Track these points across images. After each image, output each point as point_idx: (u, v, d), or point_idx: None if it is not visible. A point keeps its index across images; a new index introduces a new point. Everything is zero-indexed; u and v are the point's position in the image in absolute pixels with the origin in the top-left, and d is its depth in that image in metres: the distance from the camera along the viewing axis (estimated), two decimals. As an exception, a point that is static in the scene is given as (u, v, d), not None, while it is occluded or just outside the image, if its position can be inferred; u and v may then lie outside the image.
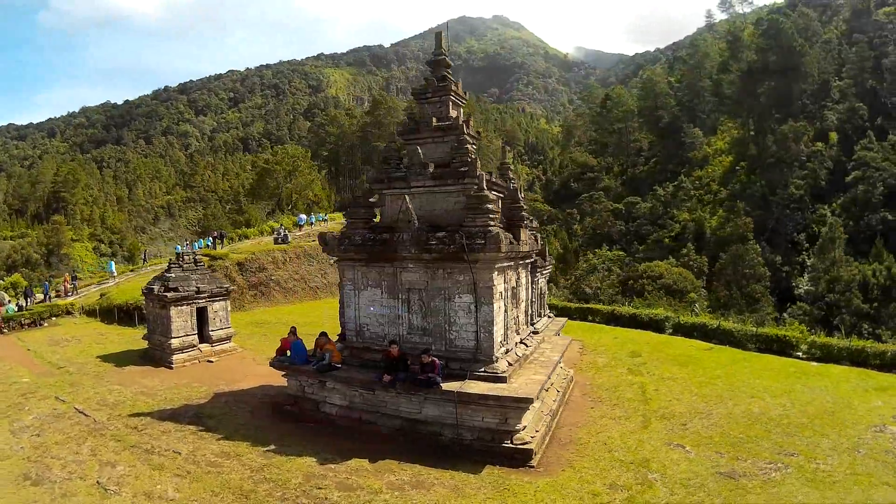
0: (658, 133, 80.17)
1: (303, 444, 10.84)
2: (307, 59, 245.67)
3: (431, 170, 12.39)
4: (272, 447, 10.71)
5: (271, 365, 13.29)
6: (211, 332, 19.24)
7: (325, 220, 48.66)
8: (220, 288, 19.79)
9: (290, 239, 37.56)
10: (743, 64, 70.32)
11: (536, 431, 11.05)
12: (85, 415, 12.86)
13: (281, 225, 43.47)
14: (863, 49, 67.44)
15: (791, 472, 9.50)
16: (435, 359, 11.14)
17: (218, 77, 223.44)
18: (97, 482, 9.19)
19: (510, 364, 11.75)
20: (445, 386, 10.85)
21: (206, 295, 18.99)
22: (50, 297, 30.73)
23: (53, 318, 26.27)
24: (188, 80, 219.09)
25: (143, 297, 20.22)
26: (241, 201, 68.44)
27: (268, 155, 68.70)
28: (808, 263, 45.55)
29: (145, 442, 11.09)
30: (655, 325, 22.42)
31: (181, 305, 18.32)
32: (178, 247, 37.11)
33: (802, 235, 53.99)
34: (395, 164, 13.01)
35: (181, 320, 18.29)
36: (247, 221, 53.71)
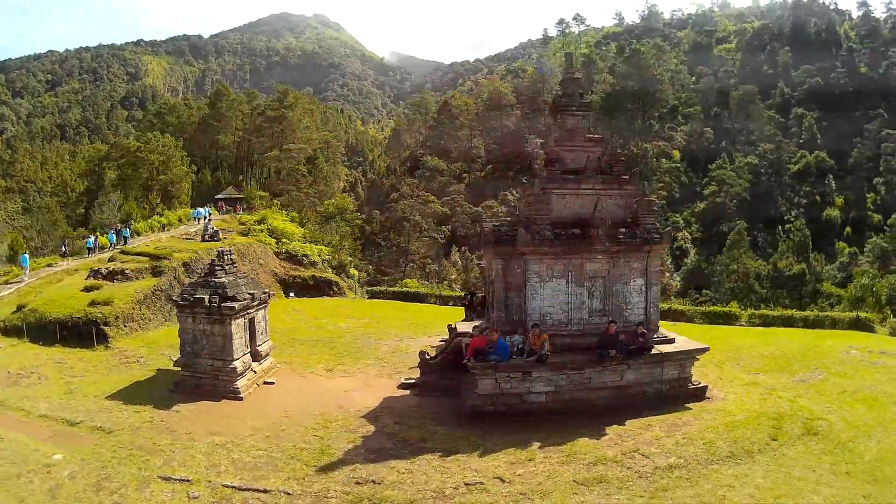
0: (498, 141, 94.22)
1: (554, 431, 12.90)
2: (127, 44, 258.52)
3: (601, 175, 16.20)
4: (536, 445, 12.16)
5: (471, 368, 14.02)
6: (258, 347, 17.67)
7: (209, 214, 46.99)
8: (265, 293, 18.16)
9: (220, 236, 35.86)
10: (605, 85, 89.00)
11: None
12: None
13: (209, 220, 42.32)
14: (710, 81, 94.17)
15: (825, 375, 17.49)
16: (644, 329, 15.23)
17: (37, 57, 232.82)
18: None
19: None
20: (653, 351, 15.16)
21: (257, 303, 17.37)
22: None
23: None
24: (7, 59, 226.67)
25: (177, 310, 16.83)
26: (72, 195, 64.87)
27: (137, 142, 61.21)
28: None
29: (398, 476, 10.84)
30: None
31: (238, 318, 16.42)
32: (90, 240, 34.05)
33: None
34: (561, 168, 16.21)
35: (239, 336, 16.43)
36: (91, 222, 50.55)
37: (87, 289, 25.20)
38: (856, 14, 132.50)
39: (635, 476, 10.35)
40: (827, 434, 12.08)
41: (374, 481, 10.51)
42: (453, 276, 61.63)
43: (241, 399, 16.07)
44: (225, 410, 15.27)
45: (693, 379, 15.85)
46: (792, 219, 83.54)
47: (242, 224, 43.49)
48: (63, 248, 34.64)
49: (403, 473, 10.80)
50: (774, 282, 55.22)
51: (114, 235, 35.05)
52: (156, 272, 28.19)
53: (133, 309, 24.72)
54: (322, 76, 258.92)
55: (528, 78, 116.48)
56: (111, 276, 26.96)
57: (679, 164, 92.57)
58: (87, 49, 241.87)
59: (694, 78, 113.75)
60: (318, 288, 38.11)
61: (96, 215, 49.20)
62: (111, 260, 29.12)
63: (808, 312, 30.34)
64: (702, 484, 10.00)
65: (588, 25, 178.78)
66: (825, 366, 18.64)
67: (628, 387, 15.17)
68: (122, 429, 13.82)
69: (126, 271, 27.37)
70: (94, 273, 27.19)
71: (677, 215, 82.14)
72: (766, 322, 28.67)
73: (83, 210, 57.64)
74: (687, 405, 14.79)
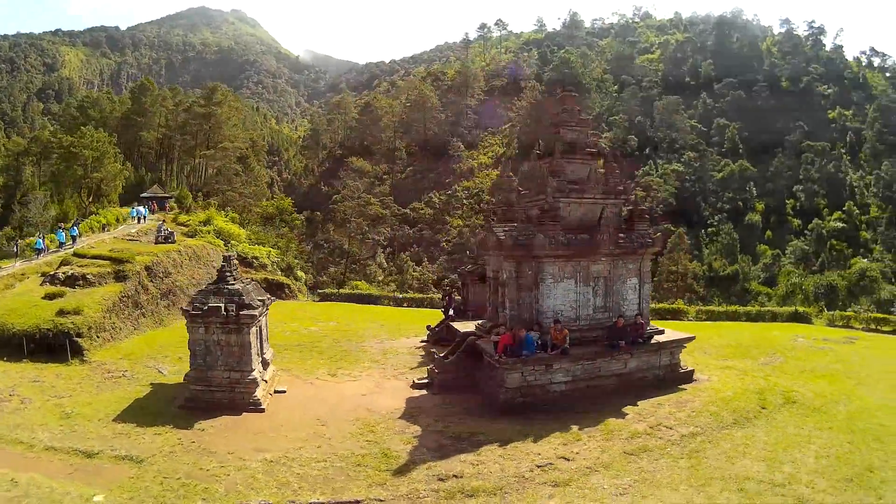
0: (420, 143, 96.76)
1: (582, 415, 14.98)
2: (45, 33, 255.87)
3: (602, 186, 18.71)
4: (575, 427, 14.06)
5: (500, 363, 15.90)
6: (265, 355, 18.25)
7: (147, 214, 45.79)
8: (270, 299, 18.82)
9: (174, 238, 35.16)
10: (535, 92, 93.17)
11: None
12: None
13: (162, 220, 41.44)
14: (634, 90, 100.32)
15: (784, 358, 21.06)
16: (644, 322, 17.79)
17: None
18: None
19: (654, 323, 19.49)
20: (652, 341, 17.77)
21: (265, 309, 18.06)
22: None
23: None
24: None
25: (188, 321, 16.88)
26: None
27: (71, 137, 56.63)
28: None
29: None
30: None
31: (253, 326, 17.09)
32: (40, 240, 32.32)
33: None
34: (565, 179, 18.54)
35: (254, 346, 16.80)
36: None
37: (50, 296, 24.11)
38: (777, 30, 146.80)
39: (668, 444, 12.65)
40: (803, 402, 15.08)
41: (455, 476, 11.51)
42: (381, 278, 63.33)
43: (262, 410, 15.99)
44: (254, 424, 15.18)
45: (681, 364, 18.67)
46: (715, 223, 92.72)
47: (184, 225, 42.90)
48: (15, 249, 32.84)
49: (477, 465, 11.93)
50: (710, 281, 61.68)
51: (63, 234, 33.58)
52: (119, 277, 27.24)
53: (104, 318, 23.98)
54: (237, 73, 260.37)
55: (447, 81, 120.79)
56: (71, 281, 25.82)
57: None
58: (5, 37, 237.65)
59: (617, 86, 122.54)
60: (270, 291, 37.92)
61: (19, 213, 46.18)
62: (65, 263, 27.71)
63: (750, 308, 34.95)
64: (722, 444, 12.47)
65: (509, 31, 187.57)
66: (780, 351, 22.28)
67: (631, 373, 17.67)
68: (153, 455, 12.89)
69: (88, 276, 26.24)
70: (51, 278, 26.04)
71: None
72: (713, 317, 32.62)
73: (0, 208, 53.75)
74: (681, 387, 17.48)
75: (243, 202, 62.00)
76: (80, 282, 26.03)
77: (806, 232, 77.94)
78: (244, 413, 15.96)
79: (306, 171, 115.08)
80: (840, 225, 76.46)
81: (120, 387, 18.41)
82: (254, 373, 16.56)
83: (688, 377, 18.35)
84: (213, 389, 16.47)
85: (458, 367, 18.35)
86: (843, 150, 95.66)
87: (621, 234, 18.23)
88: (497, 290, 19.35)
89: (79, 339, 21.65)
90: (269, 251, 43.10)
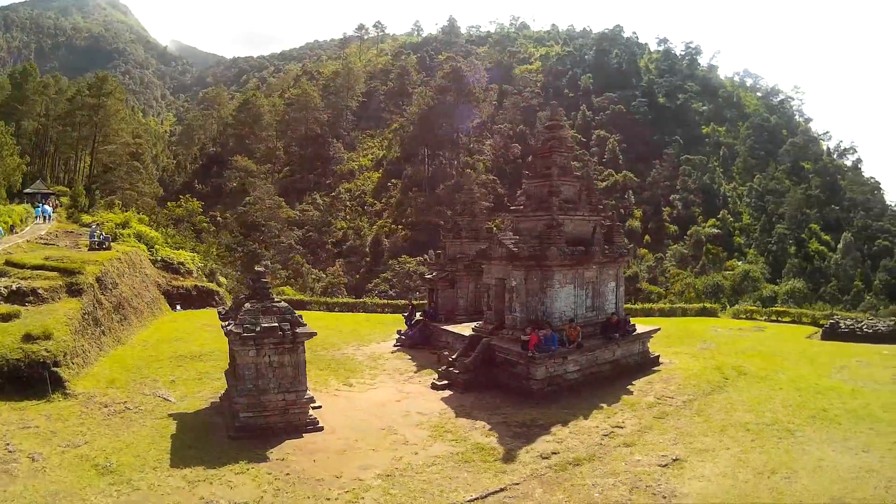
0: (300, 143, 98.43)
1: (599, 396, 19.94)
2: None
3: (588, 204, 23.72)
4: (604, 405, 19.27)
5: (532, 358, 19.68)
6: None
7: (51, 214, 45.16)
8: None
9: (109, 243, 34.35)
10: (427, 99, 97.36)
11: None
12: None
13: (97, 224, 39.42)
14: (517, 100, 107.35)
15: (716, 344, 27.87)
16: (627, 319, 23.01)
17: None
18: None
19: (628, 319, 24.95)
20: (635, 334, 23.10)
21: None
22: None
23: None
24: None
25: (237, 343, 16.47)
26: None
27: None
28: None
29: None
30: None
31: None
32: None
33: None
34: (562, 198, 23.23)
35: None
36: None
37: (3, 317, 22.63)
38: (655, 48, 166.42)
39: (678, 408, 17.66)
40: (752, 374, 21.13)
41: (553, 452, 14.57)
42: (277, 283, 64.55)
43: (321, 429, 16.78)
44: (327, 443, 15.95)
45: (650, 351, 24.30)
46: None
47: (88, 227, 41.15)
48: None
49: (561, 442, 15.19)
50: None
51: None
52: (72, 291, 25.86)
53: (75, 341, 22.94)
54: (105, 61, 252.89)
55: (324, 80, 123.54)
56: (19, 297, 23.97)
57: (494, 178, 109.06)
58: None
59: (496, 95, 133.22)
60: (201, 299, 38.66)
61: None
62: (2, 275, 25.76)
63: (663, 304, 42.95)
64: (714, 405, 17.69)
65: (387, 33, 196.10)
66: (710, 339, 29.09)
67: (618, 360, 22.77)
68: (261, 498, 12.78)
69: (39, 291, 24.75)
70: (-10, 293, 24.34)
71: (491, 224, 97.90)
72: (630, 314, 39.55)
73: None
74: (655, 369, 22.89)
75: (143, 201, 59.44)
76: (31, 298, 24.33)
77: (685, 237, 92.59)
78: (304, 434, 16.52)
79: (178, 167, 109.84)
80: (715, 231, 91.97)
81: (134, 423, 17.19)
82: (309, 392, 17.53)
83: (656, 361, 23.94)
84: (267, 414, 16.79)
85: (477, 367, 22.06)
86: (716, 164, 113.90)
87: (606, 246, 23.36)
88: (502, 296, 23.40)
89: (57, 369, 19.98)
90: (193, 256, 42.94)
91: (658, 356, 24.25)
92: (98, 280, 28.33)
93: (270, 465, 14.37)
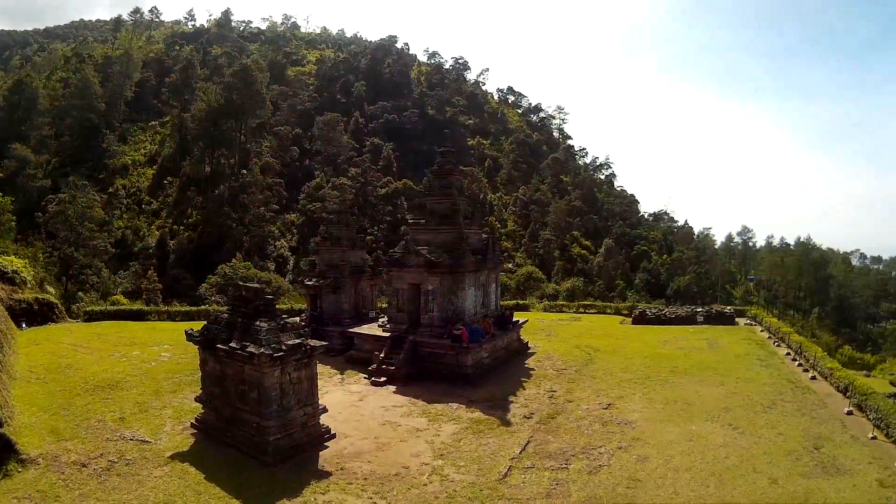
0: (71, 132, 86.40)
1: (515, 372, 26.01)
2: None
3: (480, 221, 29.45)
4: (534, 378, 25.37)
5: (466, 349, 24.31)
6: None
7: None
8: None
9: None
10: (217, 97, 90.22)
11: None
12: None
13: None
14: (293, 102, 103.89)
15: (554, 332, 36.51)
16: (512, 312, 29.35)
17: None
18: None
19: (505, 314, 31.52)
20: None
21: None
22: None
23: None
24: None
25: (267, 365, 16.28)
26: None
27: None
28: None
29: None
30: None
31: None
32: None
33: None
34: (465, 217, 28.44)
35: None
36: None
37: None
38: (423, 59, 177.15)
39: (576, 374, 25.00)
40: (604, 350, 29.56)
41: (531, 413, 20.13)
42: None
43: (335, 436, 17.73)
44: (356, 447, 17.16)
45: (522, 338, 31.24)
46: (375, 233, 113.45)
47: None
48: None
49: (525, 408, 20.78)
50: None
51: None
52: None
53: None
54: None
55: (96, 64, 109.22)
56: None
57: (281, 180, 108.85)
58: None
59: (271, 95, 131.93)
60: (43, 314, 34.41)
61: None
62: None
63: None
64: (597, 371, 25.31)
65: (161, 20, 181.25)
66: (544, 328, 37.55)
67: (508, 346, 29.18)
68: None
69: None
70: None
71: (272, 226, 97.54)
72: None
73: None
74: (530, 351, 30.01)
75: None
76: None
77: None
78: (326, 444, 17.37)
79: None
80: (484, 236, 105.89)
81: (141, 479, 15.14)
82: (320, 402, 18.29)
83: (528, 346, 30.98)
84: (291, 431, 17.00)
85: (409, 362, 25.86)
86: (482, 174, 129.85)
87: (492, 255, 29.45)
88: (415, 299, 27.53)
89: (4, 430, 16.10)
90: (25, 263, 36.35)
91: (528, 342, 31.21)
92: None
93: (340, 477, 15.01)
